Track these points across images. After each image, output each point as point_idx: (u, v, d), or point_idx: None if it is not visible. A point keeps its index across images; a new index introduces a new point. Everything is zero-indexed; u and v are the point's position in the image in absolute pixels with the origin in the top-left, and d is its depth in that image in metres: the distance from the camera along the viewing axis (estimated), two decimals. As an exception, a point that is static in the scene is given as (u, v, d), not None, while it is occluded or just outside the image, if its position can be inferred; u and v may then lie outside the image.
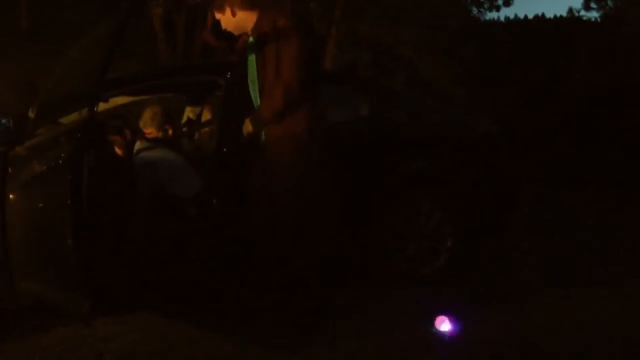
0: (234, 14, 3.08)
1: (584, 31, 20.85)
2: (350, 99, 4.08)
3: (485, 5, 19.39)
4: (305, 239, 3.03)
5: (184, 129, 4.33)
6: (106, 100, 3.60)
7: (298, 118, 2.97)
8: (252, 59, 3.13)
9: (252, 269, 3.19)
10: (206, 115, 4.43)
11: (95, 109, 2.84)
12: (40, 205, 2.94)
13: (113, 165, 3.38)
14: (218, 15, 3.13)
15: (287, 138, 2.97)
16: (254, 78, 3.12)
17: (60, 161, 2.75)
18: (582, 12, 26.07)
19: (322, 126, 3.04)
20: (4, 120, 3.16)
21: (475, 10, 19.39)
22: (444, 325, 3.01)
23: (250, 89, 3.16)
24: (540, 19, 26.58)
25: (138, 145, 3.77)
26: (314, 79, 3.03)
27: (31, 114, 3.19)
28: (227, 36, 3.24)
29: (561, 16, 25.97)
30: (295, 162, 2.97)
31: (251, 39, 3.12)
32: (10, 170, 2.99)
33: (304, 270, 3.05)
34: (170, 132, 3.86)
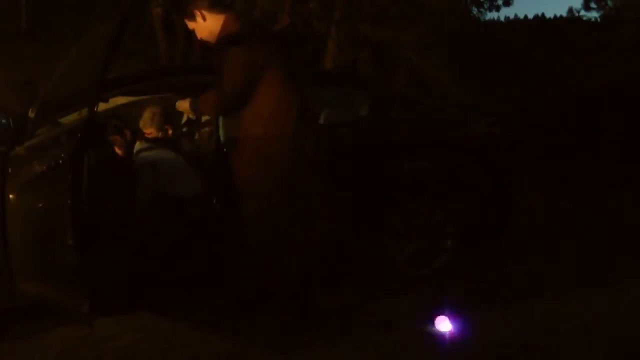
0: (204, 18, 3.06)
1: (584, 31, 20.85)
2: (350, 99, 4.08)
3: (485, 5, 19.39)
4: (304, 241, 3.03)
5: (184, 129, 4.33)
6: (106, 100, 3.60)
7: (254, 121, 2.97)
8: None
9: (252, 269, 3.20)
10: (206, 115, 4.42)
11: (95, 109, 2.84)
12: (40, 205, 2.94)
13: (113, 165, 3.38)
14: (191, 25, 3.12)
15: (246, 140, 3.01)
16: None
17: (60, 161, 2.75)
18: (582, 12, 26.05)
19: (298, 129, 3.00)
20: (4, 120, 3.16)
21: (475, 10, 19.40)
22: (444, 325, 3.01)
23: None
24: (540, 19, 26.58)
25: (138, 145, 3.77)
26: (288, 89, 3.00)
27: (31, 114, 3.19)
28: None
29: (561, 16, 25.97)
30: (256, 162, 2.97)
31: None
32: (10, 170, 2.99)
33: (304, 270, 3.06)
34: (170, 132, 3.86)
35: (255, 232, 3.03)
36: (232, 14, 3.08)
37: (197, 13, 3.06)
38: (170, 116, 3.88)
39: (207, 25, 3.08)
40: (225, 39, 3.02)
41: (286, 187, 2.97)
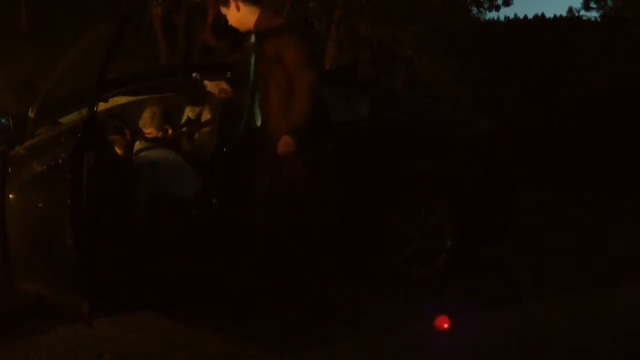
0: (238, 9, 3.12)
1: (584, 31, 20.84)
2: (350, 99, 4.08)
3: (485, 5, 19.37)
4: (306, 239, 3.03)
5: (184, 129, 4.33)
6: (106, 100, 3.60)
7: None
8: (252, 59, 3.15)
9: (252, 268, 3.20)
10: (206, 115, 4.43)
11: (95, 109, 2.84)
12: (40, 205, 2.94)
13: (113, 165, 3.38)
14: (224, 10, 3.17)
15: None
16: (252, 79, 3.14)
17: (60, 161, 2.75)
18: (582, 12, 26.00)
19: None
20: (4, 120, 3.17)
21: (475, 10, 19.38)
22: (444, 325, 3.01)
23: (246, 91, 3.18)
24: (540, 19, 26.59)
25: (138, 145, 3.77)
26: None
27: (31, 114, 3.20)
28: (227, 35, 3.26)
29: (561, 16, 25.95)
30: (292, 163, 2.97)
31: (253, 38, 3.14)
32: (10, 170, 3.00)
33: (304, 269, 3.06)
34: (170, 132, 3.86)
35: (265, 231, 3.04)
36: (267, 9, 3.15)
37: (232, 3, 3.11)
38: (170, 116, 3.88)
39: (240, 16, 3.14)
40: (264, 33, 3.07)
41: (304, 185, 2.99)
